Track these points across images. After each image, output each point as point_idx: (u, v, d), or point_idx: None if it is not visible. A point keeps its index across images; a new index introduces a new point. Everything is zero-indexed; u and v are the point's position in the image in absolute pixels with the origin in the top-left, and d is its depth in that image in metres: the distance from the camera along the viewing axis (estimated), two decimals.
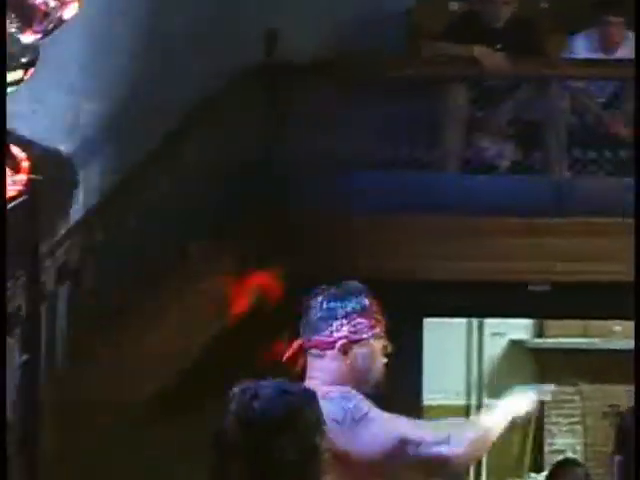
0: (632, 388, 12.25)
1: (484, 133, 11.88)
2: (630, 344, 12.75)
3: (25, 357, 8.75)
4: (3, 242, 5.86)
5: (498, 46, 11.81)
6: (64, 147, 11.34)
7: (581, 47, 12.30)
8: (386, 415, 5.38)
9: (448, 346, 14.52)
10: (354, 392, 5.39)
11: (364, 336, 5.53)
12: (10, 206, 6.02)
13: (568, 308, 12.79)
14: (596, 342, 14.93)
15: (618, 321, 14.31)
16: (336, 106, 11.99)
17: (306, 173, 11.75)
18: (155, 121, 12.42)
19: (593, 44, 12.26)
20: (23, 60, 5.73)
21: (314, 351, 5.54)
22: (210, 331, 11.99)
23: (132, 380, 11.61)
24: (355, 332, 5.56)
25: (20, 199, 6.10)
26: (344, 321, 5.55)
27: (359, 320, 5.59)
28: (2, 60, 6.08)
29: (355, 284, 5.80)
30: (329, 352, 5.56)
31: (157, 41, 12.56)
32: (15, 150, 5.86)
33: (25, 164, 5.73)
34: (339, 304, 5.57)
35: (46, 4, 5.51)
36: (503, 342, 15.22)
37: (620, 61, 12.17)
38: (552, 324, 15.04)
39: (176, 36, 12.59)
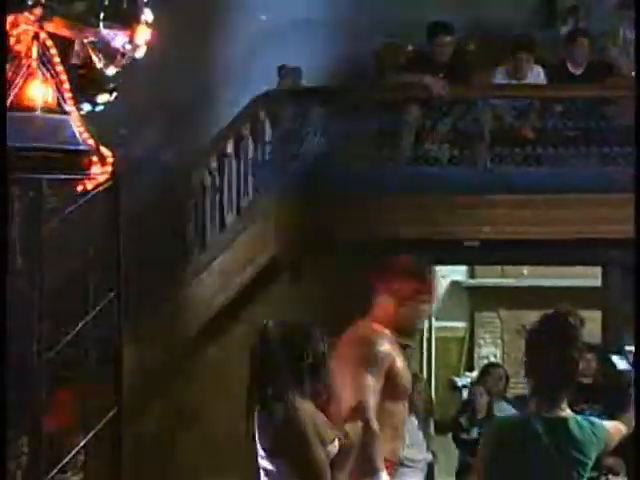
0: (538, 312, 13.38)
1: (431, 138, 12.87)
2: (534, 281, 14.72)
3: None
4: (3, 241, 5.97)
5: (441, 75, 12.77)
6: None
7: (500, 76, 13.14)
8: None
9: None
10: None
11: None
12: (103, 188, 6.06)
13: (492, 258, 13.36)
14: (511, 281, 15.84)
15: (526, 266, 14.86)
16: (332, 121, 12.69)
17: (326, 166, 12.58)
18: None
19: (509, 73, 13.06)
20: (108, 87, 5.73)
21: None
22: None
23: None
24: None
25: (108, 183, 6.01)
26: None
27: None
28: (2, 60, 5.81)
29: None
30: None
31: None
32: (104, 149, 5.64)
33: (110, 159, 5.57)
34: None
35: (124, 47, 5.50)
36: (446, 283, 15.25)
37: (527, 85, 13.12)
38: (480, 269, 15.26)
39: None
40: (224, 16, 13.45)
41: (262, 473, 5.62)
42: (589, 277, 14.15)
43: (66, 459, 6.12)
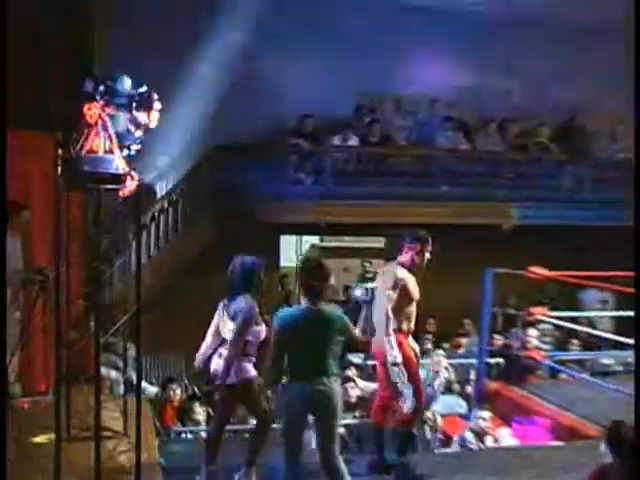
0: (351, 259, 13.08)
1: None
2: (349, 244, 14.19)
3: None
4: (3, 240, 5.34)
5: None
6: None
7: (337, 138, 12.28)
8: None
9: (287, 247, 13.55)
10: None
11: None
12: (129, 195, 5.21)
13: (331, 231, 13.19)
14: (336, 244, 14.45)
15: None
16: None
17: None
18: None
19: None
20: (136, 142, 5.16)
21: None
22: None
23: None
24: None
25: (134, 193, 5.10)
26: None
27: None
28: (2, 60, 5.44)
29: None
30: None
31: None
32: (133, 172, 5.02)
33: (135, 174, 5.01)
34: None
35: (144, 121, 5.07)
36: (308, 245, 14.61)
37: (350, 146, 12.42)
38: (328, 238, 14.48)
39: None
40: None
41: None
42: (377, 242, 13.87)
43: None
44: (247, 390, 5.71)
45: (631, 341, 8.26)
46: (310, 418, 5.52)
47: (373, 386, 9.34)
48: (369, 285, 6.43)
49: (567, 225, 12.39)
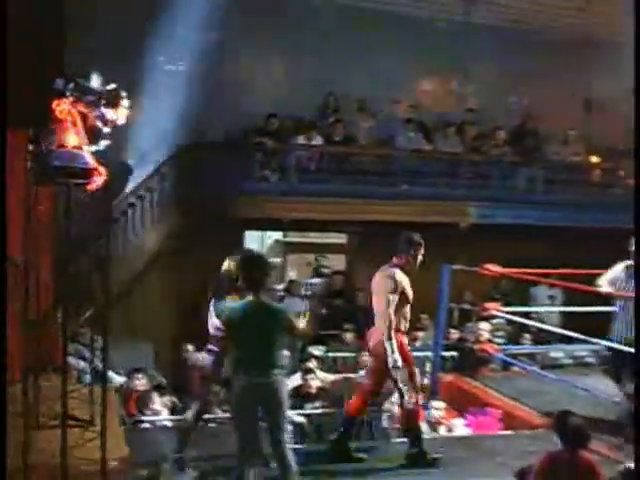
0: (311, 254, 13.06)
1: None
2: (312, 239, 14.16)
3: None
4: (3, 241, 5.17)
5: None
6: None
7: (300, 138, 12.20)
8: None
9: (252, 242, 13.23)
10: None
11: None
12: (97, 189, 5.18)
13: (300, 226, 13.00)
14: (299, 239, 14.38)
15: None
16: None
17: None
18: None
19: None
20: (105, 138, 5.17)
21: None
22: None
23: None
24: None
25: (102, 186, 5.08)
26: None
27: None
28: (2, 61, 5.35)
29: None
30: None
31: None
32: (100, 168, 4.96)
33: (103, 170, 4.98)
34: None
35: (113, 118, 5.09)
36: (271, 240, 14.69)
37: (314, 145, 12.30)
38: (291, 234, 14.31)
39: None
40: None
41: None
42: (339, 238, 13.88)
43: None
44: None
45: (579, 335, 8.45)
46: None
47: (332, 377, 9.51)
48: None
49: (521, 224, 12.45)
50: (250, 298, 5.43)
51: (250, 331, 5.34)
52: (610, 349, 7.71)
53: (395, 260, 6.54)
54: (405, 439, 6.69)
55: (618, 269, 7.65)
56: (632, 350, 7.04)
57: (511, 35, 13.44)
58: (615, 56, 13.65)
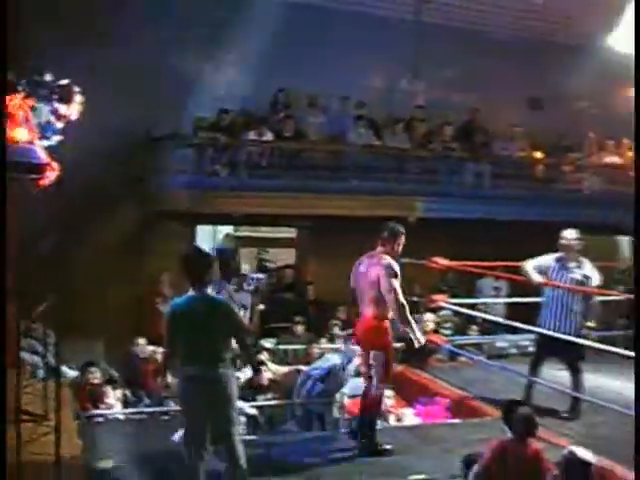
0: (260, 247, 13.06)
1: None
2: (263, 234, 14.12)
3: None
4: (3, 241, 5.20)
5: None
6: None
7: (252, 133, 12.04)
8: None
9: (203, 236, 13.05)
10: None
11: None
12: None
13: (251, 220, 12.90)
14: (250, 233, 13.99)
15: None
16: None
17: None
18: None
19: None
20: (57, 133, 5.22)
21: None
22: None
23: None
24: None
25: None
26: None
27: None
28: (2, 65, 5.27)
29: None
30: None
31: None
32: (53, 163, 5.05)
33: (55, 165, 5.00)
34: None
35: (66, 114, 5.13)
36: (222, 234, 13.71)
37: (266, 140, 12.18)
38: (242, 228, 13.79)
39: None
40: None
41: None
42: (289, 232, 13.92)
43: None
44: None
45: (523, 325, 8.54)
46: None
47: (283, 369, 9.54)
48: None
49: (468, 219, 12.58)
50: (192, 292, 5.38)
51: (192, 325, 5.28)
52: (539, 337, 7.93)
53: (382, 248, 6.65)
54: (359, 425, 6.75)
55: (549, 259, 7.88)
56: (564, 337, 7.40)
57: (460, 34, 13.52)
58: (560, 56, 14.04)
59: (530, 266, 7.94)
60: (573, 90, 14.52)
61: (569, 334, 7.54)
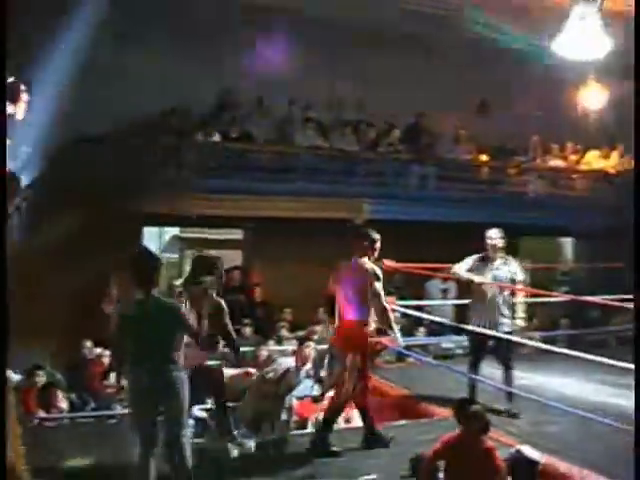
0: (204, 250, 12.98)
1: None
2: (209, 235, 14.08)
3: None
4: (3, 241, 5.13)
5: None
6: None
7: None
8: None
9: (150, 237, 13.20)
10: None
11: None
12: None
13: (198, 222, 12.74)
14: (197, 235, 14.20)
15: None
16: None
17: None
18: None
19: None
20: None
21: None
22: None
23: None
24: None
25: None
26: None
27: None
28: (2, 65, 5.24)
29: None
30: None
31: None
32: None
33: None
34: None
35: (11, 111, 5.09)
36: (168, 236, 14.67)
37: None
38: (189, 229, 14.30)
39: None
40: None
41: None
42: (236, 234, 13.86)
43: None
44: None
45: (464, 326, 8.49)
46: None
47: (231, 372, 9.45)
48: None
49: (414, 220, 12.66)
50: (140, 294, 5.35)
51: (141, 327, 5.27)
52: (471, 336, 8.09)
53: (361, 253, 6.78)
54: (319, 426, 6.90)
55: (472, 260, 8.08)
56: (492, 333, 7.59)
57: (406, 38, 13.50)
58: (505, 60, 14.17)
59: (459, 268, 8.13)
60: (519, 94, 14.72)
61: (499, 331, 7.72)
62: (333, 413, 6.89)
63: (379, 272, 6.68)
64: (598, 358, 6.84)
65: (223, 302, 6.38)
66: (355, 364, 6.58)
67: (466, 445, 5.16)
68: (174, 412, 5.30)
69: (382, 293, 6.62)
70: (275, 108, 13.16)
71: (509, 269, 7.95)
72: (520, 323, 8.03)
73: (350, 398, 6.75)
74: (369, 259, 6.78)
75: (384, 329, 6.72)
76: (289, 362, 8.26)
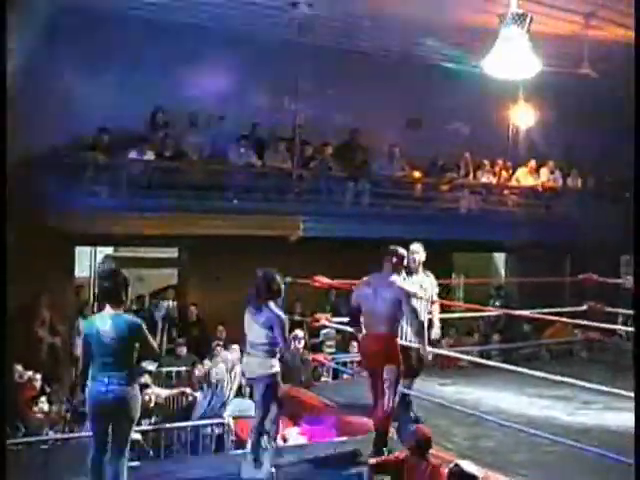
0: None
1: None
2: (145, 254, 14.02)
3: None
4: (3, 240, 5.22)
5: None
6: None
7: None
8: None
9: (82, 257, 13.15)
10: None
11: None
12: None
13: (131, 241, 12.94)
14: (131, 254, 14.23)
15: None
16: None
17: None
18: None
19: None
20: None
21: None
22: None
23: None
24: None
25: None
26: None
27: None
28: (2, 62, 5.35)
29: None
30: None
31: None
32: None
33: None
34: None
35: None
36: (103, 255, 14.13)
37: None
38: (122, 248, 14.24)
39: None
40: None
41: None
42: (170, 252, 13.82)
43: None
44: None
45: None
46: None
47: (166, 392, 9.40)
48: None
49: (348, 237, 12.67)
50: (104, 311, 5.54)
51: (101, 342, 5.41)
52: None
53: (391, 269, 6.86)
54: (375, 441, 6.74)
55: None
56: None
57: (340, 55, 13.66)
58: (438, 78, 14.40)
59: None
60: (450, 111, 14.93)
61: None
62: (384, 424, 6.80)
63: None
64: (532, 372, 6.94)
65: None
66: (393, 374, 6.68)
67: (411, 463, 5.23)
68: (122, 426, 5.49)
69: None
70: (208, 126, 13.00)
71: (431, 282, 8.14)
72: (437, 333, 8.22)
73: (395, 405, 6.79)
74: (399, 275, 6.91)
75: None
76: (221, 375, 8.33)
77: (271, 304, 6.66)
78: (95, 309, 10.80)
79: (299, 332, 10.24)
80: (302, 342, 10.15)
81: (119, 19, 11.88)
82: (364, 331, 6.97)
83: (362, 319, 7.00)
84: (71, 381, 10.57)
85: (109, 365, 5.40)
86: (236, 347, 10.11)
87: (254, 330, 6.59)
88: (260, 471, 6.41)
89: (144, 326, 5.66)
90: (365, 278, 7.08)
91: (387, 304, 6.72)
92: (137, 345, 5.49)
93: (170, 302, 12.76)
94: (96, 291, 13.05)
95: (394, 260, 6.91)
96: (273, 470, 6.46)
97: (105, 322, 5.48)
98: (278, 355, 6.52)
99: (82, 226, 11.17)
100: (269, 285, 6.64)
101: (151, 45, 12.07)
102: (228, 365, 9.59)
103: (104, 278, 5.86)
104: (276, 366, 6.51)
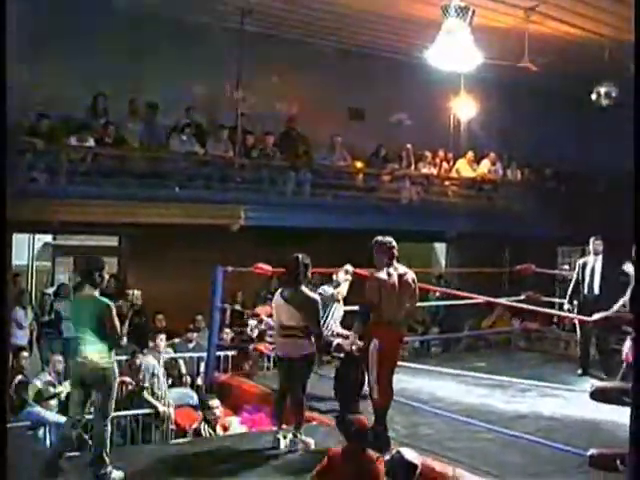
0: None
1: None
2: (85, 242, 13.69)
3: None
4: (3, 240, 5.68)
5: None
6: None
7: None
8: None
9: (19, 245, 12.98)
10: None
11: None
12: None
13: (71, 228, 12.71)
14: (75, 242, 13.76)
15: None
16: None
17: None
18: None
19: None
20: None
21: None
22: None
23: None
24: None
25: None
26: None
27: None
28: (2, 60, 6.02)
29: None
30: None
31: None
32: None
33: None
34: None
35: None
36: (41, 243, 13.96)
37: None
38: (62, 236, 13.91)
39: None
40: None
41: None
42: (110, 240, 13.73)
43: None
44: None
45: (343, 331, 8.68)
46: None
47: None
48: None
49: (290, 226, 12.73)
50: (84, 292, 6.24)
51: (77, 320, 6.16)
52: None
53: (389, 261, 6.94)
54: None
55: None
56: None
57: (283, 44, 13.68)
58: (381, 69, 14.48)
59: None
60: (392, 102, 15.03)
61: None
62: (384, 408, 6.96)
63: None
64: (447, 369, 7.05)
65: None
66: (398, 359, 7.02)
67: (349, 455, 5.26)
68: (101, 397, 6.08)
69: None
70: (148, 112, 12.89)
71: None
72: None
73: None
74: (390, 266, 6.94)
75: None
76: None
77: (304, 288, 6.95)
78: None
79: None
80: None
81: (61, 4, 11.74)
82: (385, 320, 6.85)
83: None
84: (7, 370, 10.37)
85: (84, 339, 6.03)
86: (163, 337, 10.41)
87: (288, 313, 6.86)
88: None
89: (113, 308, 6.13)
90: (379, 273, 6.98)
91: (409, 293, 6.96)
92: (104, 323, 6.03)
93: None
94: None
95: (392, 252, 6.98)
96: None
97: (80, 301, 6.29)
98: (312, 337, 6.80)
99: (20, 212, 10.81)
100: (306, 269, 6.96)
101: (93, 32, 11.97)
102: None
103: (84, 263, 6.55)
104: (311, 347, 6.83)
